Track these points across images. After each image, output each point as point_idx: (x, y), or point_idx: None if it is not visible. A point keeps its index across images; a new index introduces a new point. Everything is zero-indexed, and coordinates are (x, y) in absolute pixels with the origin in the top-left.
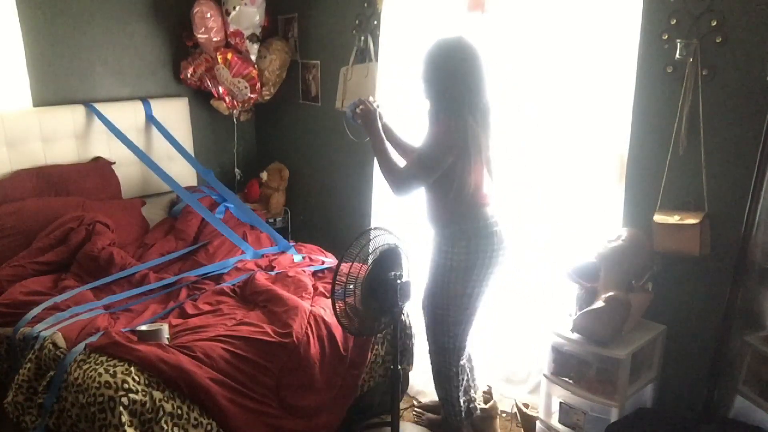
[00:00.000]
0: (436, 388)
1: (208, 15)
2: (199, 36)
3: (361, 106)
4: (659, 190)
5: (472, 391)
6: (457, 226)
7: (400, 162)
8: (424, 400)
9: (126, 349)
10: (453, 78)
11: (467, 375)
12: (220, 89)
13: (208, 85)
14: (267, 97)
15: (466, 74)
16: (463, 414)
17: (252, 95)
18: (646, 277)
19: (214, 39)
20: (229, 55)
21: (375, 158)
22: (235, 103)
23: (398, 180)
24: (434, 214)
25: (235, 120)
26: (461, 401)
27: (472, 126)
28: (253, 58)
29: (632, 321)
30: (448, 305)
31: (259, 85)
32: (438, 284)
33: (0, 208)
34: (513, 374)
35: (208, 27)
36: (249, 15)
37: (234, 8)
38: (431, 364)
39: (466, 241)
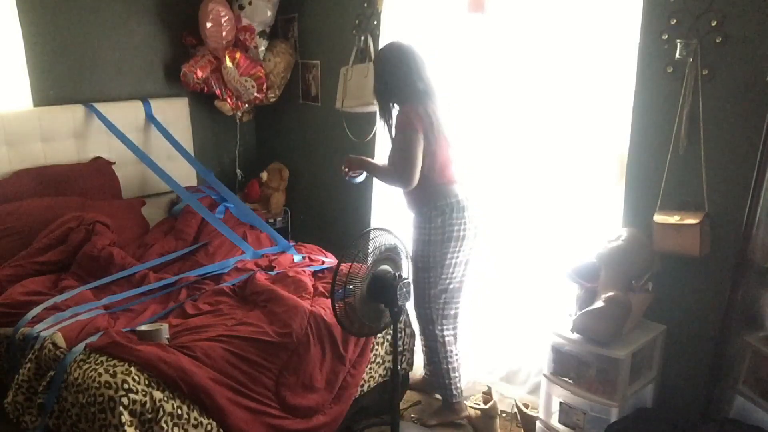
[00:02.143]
0: (431, 371)
1: (222, 12)
2: (209, 34)
3: (347, 170)
4: (659, 190)
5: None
6: (432, 204)
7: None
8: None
9: (126, 349)
10: (385, 73)
11: (455, 353)
12: (225, 90)
13: (212, 87)
14: (272, 99)
15: (395, 67)
16: (455, 391)
17: (258, 95)
18: (646, 277)
19: (226, 37)
20: (238, 55)
21: (376, 178)
22: (239, 103)
23: (396, 176)
24: (409, 198)
25: (237, 120)
26: (453, 377)
27: (421, 109)
28: (261, 55)
29: (632, 321)
30: (430, 276)
31: (266, 85)
32: (419, 257)
33: (0, 208)
34: (513, 374)
35: (221, 24)
36: (263, 10)
37: (249, 2)
38: (422, 343)
39: (441, 218)
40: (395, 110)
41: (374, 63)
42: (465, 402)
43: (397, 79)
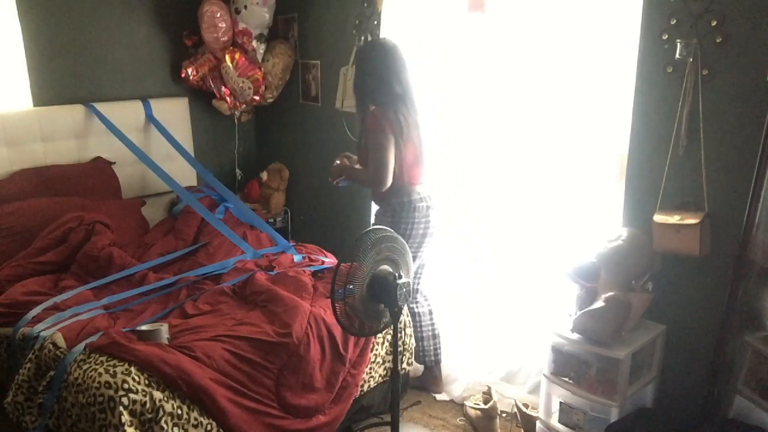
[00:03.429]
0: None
1: (218, 15)
2: (206, 35)
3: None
4: (659, 190)
5: (438, 340)
6: (395, 201)
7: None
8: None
9: (126, 349)
10: (366, 70)
11: (431, 320)
12: (223, 89)
13: (210, 86)
14: (270, 100)
15: (374, 66)
16: (424, 356)
17: (255, 97)
18: (646, 277)
19: (222, 39)
20: (237, 55)
21: (358, 183)
22: (237, 103)
23: (370, 178)
24: (375, 193)
25: (236, 120)
26: (425, 344)
27: (391, 113)
28: (259, 57)
29: (632, 321)
30: None
31: (263, 88)
32: None
33: (0, 208)
34: (513, 374)
35: (217, 26)
36: (259, 14)
37: (245, 7)
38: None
39: (401, 214)
40: (371, 108)
41: (356, 58)
42: (465, 402)
43: (375, 78)
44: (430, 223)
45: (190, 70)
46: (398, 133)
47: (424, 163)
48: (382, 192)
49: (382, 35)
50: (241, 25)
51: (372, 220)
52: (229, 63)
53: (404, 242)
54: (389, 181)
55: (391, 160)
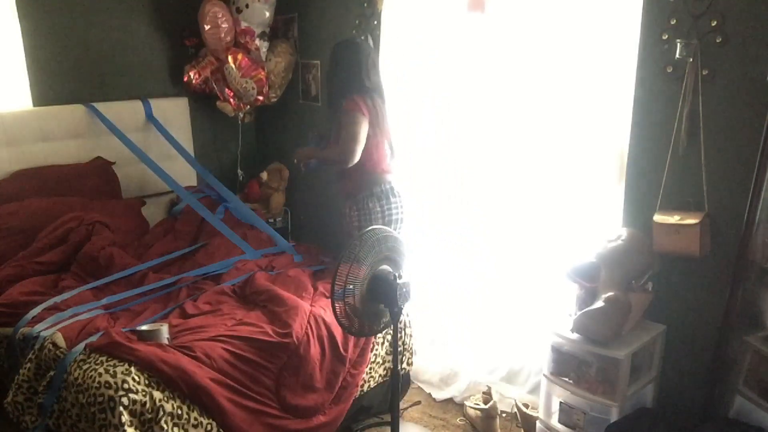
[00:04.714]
0: None
1: (220, 15)
2: (208, 36)
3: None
4: (659, 190)
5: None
6: (369, 191)
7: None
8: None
9: (126, 349)
10: (339, 68)
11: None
12: (226, 91)
13: (213, 88)
14: (273, 100)
15: (348, 64)
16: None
17: (259, 97)
18: (646, 277)
19: (225, 39)
20: (239, 55)
21: (324, 161)
22: (241, 104)
23: (339, 151)
24: (343, 185)
25: (239, 122)
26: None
27: (368, 100)
28: (263, 56)
29: (632, 321)
30: None
31: (267, 88)
32: (345, 237)
33: (0, 208)
34: (513, 374)
35: (219, 27)
36: (260, 12)
37: (246, 5)
38: None
39: (379, 203)
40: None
41: (331, 55)
42: (465, 402)
43: (349, 72)
44: (401, 209)
45: (192, 74)
46: (373, 118)
47: (395, 154)
48: (359, 183)
49: (382, 35)
50: (243, 24)
51: (343, 215)
52: (231, 64)
53: (404, 242)
54: (357, 157)
55: (363, 137)
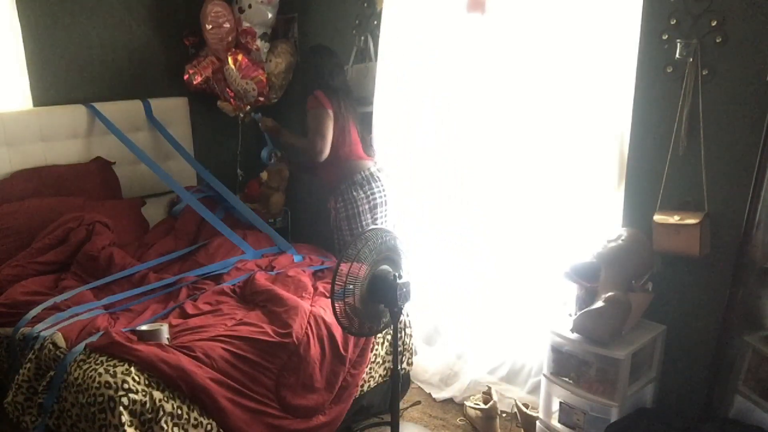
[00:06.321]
0: None
1: (222, 14)
2: (210, 36)
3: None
4: (659, 190)
5: None
6: (350, 180)
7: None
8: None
9: (126, 349)
10: (315, 65)
11: None
12: (227, 91)
13: (215, 88)
14: (274, 101)
15: (315, 65)
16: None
17: (260, 98)
18: (646, 277)
19: (227, 39)
20: (240, 57)
21: (292, 148)
22: (242, 105)
23: (309, 148)
24: (325, 178)
25: (240, 122)
26: None
27: (331, 93)
28: (263, 57)
29: (632, 321)
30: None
31: (267, 89)
32: (348, 232)
33: (0, 208)
34: (513, 374)
35: (222, 26)
36: (263, 13)
37: (249, 6)
38: None
39: (354, 192)
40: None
41: (308, 55)
42: (465, 402)
43: (316, 73)
44: (384, 192)
45: (192, 73)
46: (337, 111)
47: (369, 142)
48: (339, 173)
49: (382, 35)
50: (245, 24)
51: (328, 208)
52: (231, 65)
53: (403, 241)
54: (326, 153)
55: (329, 132)
